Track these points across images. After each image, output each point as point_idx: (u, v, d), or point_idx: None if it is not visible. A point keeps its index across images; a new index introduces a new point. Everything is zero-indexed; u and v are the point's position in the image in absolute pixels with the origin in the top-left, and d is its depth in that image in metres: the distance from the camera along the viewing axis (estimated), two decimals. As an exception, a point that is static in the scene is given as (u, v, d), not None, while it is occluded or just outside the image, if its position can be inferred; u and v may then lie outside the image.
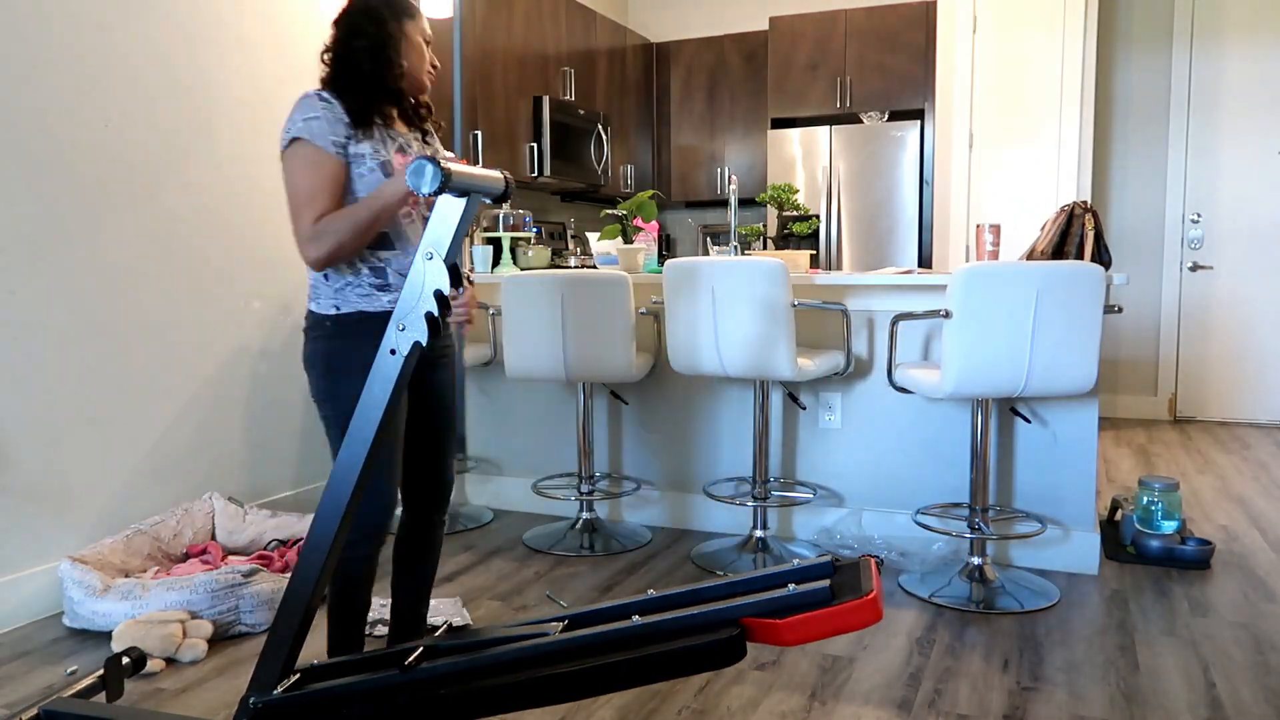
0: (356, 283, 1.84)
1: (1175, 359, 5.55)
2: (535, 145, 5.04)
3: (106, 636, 2.47)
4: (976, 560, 2.80)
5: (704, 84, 6.33)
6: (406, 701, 1.48)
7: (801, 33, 5.76)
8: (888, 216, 5.56)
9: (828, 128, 5.64)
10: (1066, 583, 2.84)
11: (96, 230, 2.81)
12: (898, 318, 2.78)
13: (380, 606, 2.62)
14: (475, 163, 4.57)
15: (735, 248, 3.42)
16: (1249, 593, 2.75)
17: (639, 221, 3.76)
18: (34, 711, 1.66)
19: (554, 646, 1.48)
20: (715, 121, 6.36)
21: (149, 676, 2.27)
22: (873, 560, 1.56)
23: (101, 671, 1.75)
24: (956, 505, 3.08)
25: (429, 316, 1.51)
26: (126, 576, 2.63)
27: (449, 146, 4.35)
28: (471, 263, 4.08)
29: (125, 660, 1.82)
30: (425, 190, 1.42)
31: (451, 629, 1.67)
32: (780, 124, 5.91)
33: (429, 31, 1.95)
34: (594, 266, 4.91)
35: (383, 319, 1.83)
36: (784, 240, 3.98)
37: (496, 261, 4.34)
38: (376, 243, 1.84)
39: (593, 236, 4.45)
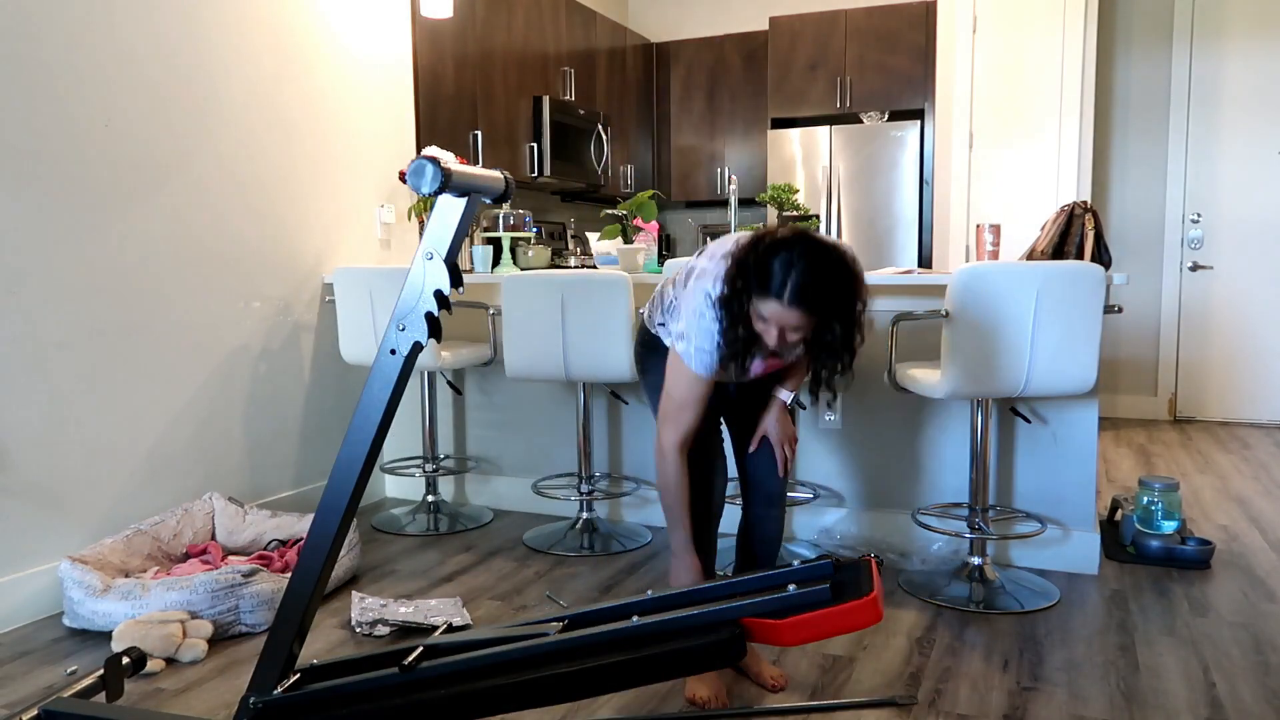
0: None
1: (1175, 359, 5.55)
2: (535, 145, 5.04)
3: (106, 636, 2.47)
4: (976, 560, 2.80)
5: (704, 84, 6.33)
6: (406, 701, 1.48)
7: (801, 33, 5.76)
8: (888, 216, 5.56)
9: (828, 128, 5.64)
10: (1066, 583, 2.84)
11: (96, 231, 2.81)
12: (898, 318, 2.77)
13: (380, 606, 2.62)
14: (475, 163, 4.57)
15: (735, 248, 3.41)
16: (1249, 593, 2.75)
17: (639, 221, 3.76)
18: (34, 711, 1.66)
19: (554, 646, 1.49)
20: (715, 121, 6.36)
21: (149, 676, 2.27)
22: (873, 560, 1.56)
23: (101, 671, 1.75)
24: (956, 505, 3.08)
25: (429, 316, 1.51)
26: (126, 576, 2.63)
27: (454, 147, 4.35)
28: (472, 263, 4.08)
29: (125, 660, 1.82)
30: (425, 190, 1.42)
31: (451, 629, 1.67)
32: (780, 124, 5.91)
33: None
34: (594, 266, 4.91)
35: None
36: (784, 240, 3.97)
37: (496, 261, 4.34)
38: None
39: (593, 236, 4.45)
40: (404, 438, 3.94)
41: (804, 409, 3.25)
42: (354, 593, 2.76)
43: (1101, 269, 2.47)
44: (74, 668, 2.34)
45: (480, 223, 4.61)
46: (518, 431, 3.74)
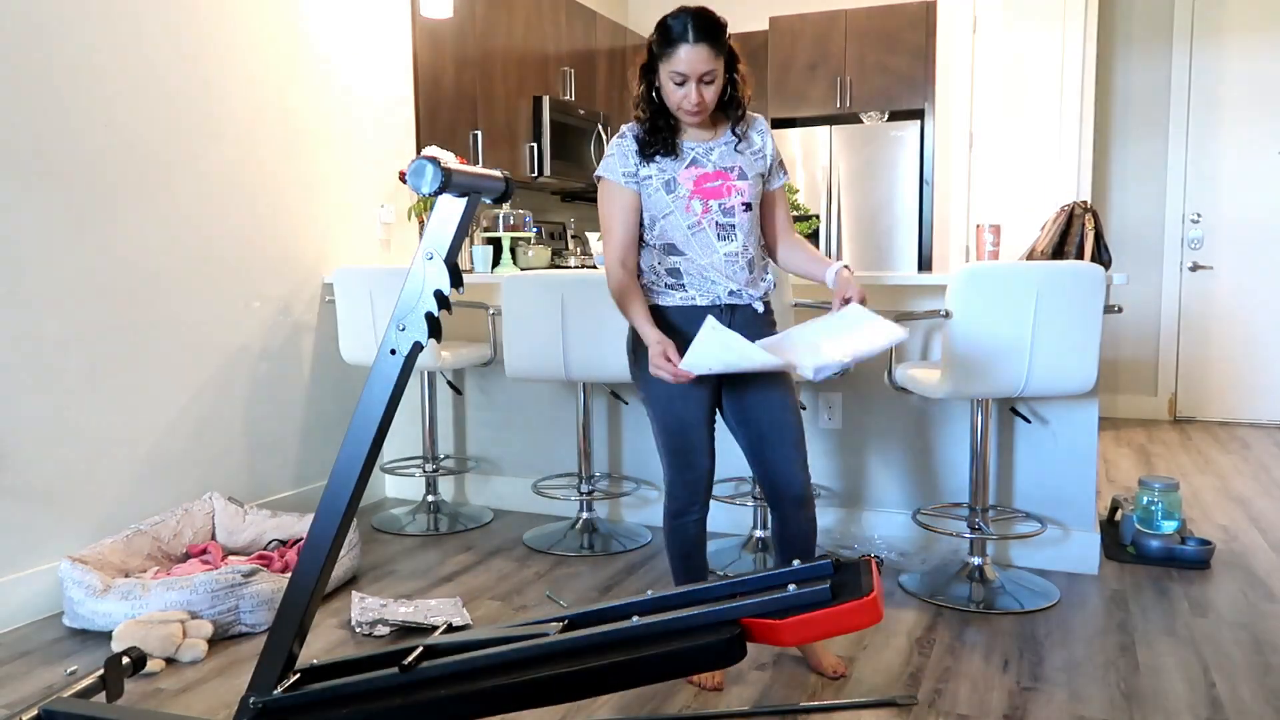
0: (656, 281, 2.18)
1: (1175, 359, 5.54)
2: (535, 145, 5.04)
3: (106, 636, 2.47)
4: (976, 560, 2.80)
5: (704, 84, 6.31)
6: (406, 701, 1.48)
7: (801, 33, 5.75)
8: (888, 216, 5.56)
9: (828, 128, 5.64)
10: (1066, 583, 2.84)
11: (97, 231, 2.81)
12: (898, 318, 2.77)
13: (380, 606, 2.62)
14: (475, 163, 4.57)
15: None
16: (1249, 593, 2.75)
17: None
18: (34, 711, 1.66)
19: (554, 647, 1.49)
20: (715, 121, 6.34)
21: (149, 676, 2.27)
22: (873, 560, 1.56)
23: (101, 671, 1.75)
24: (956, 505, 3.08)
25: (429, 316, 1.51)
26: (126, 576, 2.63)
27: (450, 148, 4.35)
28: (472, 263, 4.08)
29: (125, 660, 1.82)
30: (425, 190, 1.42)
31: (451, 629, 1.67)
32: (780, 124, 5.90)
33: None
34: (594, 266, 4.91)
35: (675, 312, 2.15)
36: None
37: (496, 261, 4.35)
38: (667, 250, 2.15)
39: (593, 236, 4.45)
40: (404, 438, 3.94)
41: (804, 409, 3.25)
42: (354, 593, 2.76)
43: (1101, 269, 2.47)
44: (74, 668, 2.34)
45: (480, 223, 4.61)
46: (518, 431, 3.74)
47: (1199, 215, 5.46)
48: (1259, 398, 5.41)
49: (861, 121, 5.71)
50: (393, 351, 1.52)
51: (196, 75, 3.12)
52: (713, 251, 2.13)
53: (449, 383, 3.79)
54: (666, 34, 2.06)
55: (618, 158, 2.14)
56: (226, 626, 2.48)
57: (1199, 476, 4.18)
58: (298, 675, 1.60)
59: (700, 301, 2.14)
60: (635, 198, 2.14)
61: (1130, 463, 4.46)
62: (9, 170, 2.58)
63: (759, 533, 3.15)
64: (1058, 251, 3.04)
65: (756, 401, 2.15)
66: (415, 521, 3.57)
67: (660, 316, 2.14)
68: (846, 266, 2.19)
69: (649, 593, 1.64)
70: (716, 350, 1.92)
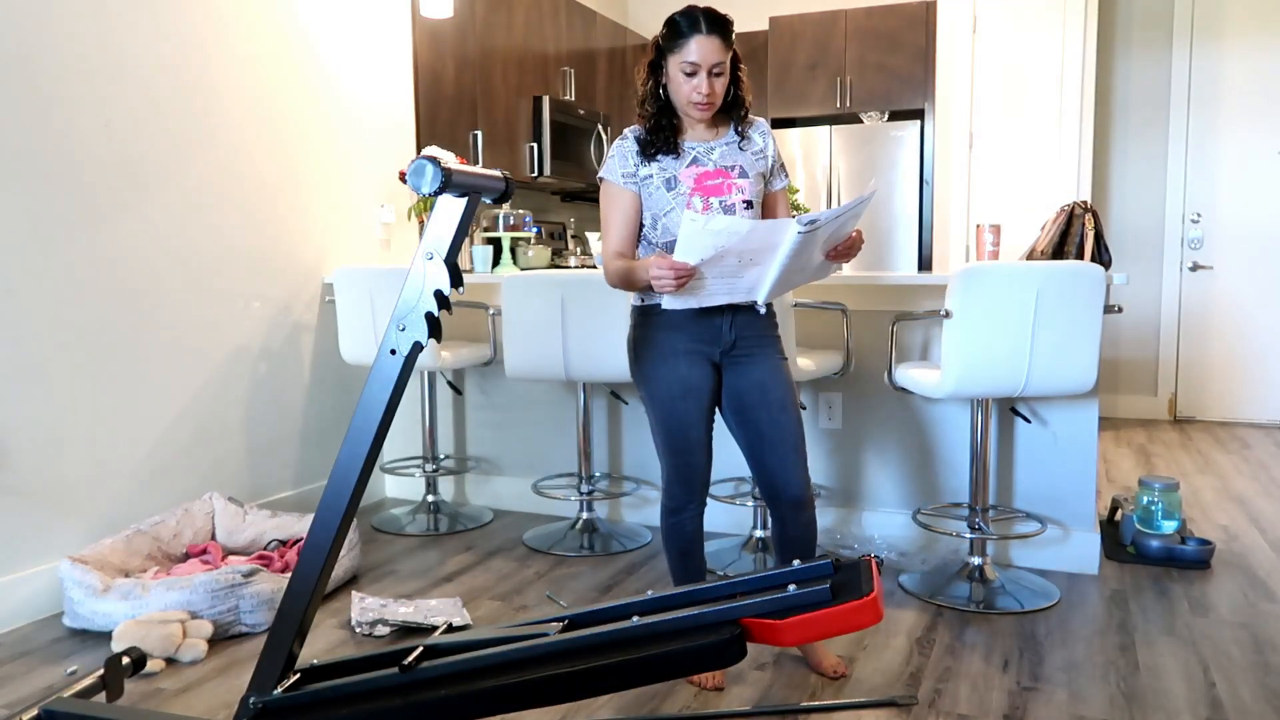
0: None
1: (1175, 359, 5.54)
2: (535, 145, 5.04)
3: (106, 636, 2.47)
4: (976, 560, 2.80)
5: (704, 84, 6.31)
6: (406, 701, 1.48)
7: (801, 33, 5.75)
8: (888, 216, 5.55)
9: (828, 128, 5.64)
10: (1066, 583, 2.84)
11: (97, 230, 2.81)
12: (898, 318, 2.78)
13: (380, 606, 2.62)
14: (475, 163, 4.57)
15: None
16: (1249, 593, 2.75)
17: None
18: (34, 711, 1.66)
19: (554, 647, 1.49)
20: (715, 121, 6.34)
21: (149, 676, 2.27)
22: (873, 560, 1.56)
23: (101, 671, 1.75)
24: (956, 505, 3.08)
25: (429, 316, 1.51)
26: (126, 576, 2.63)
27: (451, 147, 4.35)
28: (472, 263, 4.08)
29: (125, 660, 1.82)
30: (425, 190, 1.42)
31: (451, 629, 1.67)
32: (780, 124, 5.90)
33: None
34: (594, 266, 4.91)
35: (675, 312, 2.11)
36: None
37: (496, 261, 4.34)
38: (669, 248, 2.11)
39: (593, 236, 4.45)
40: (404, 438, 3.94)
41: (803, 409, 3.25)
42: (354, 593, 2.76)
43: (1101, 269, 2.47)
44: (74, 668, 2.34)
45: (480, 223, 4.61)
46: (518, 431, 3.74)
47: (1199, 215, 5.46)
48: (1259, 398, 5.41)
49: (861, 121, 5.70)
50: (393, 351, 1.52)
51: (196, 76, 3.12)
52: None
53: (449, 383, 3.79)
54: (677, 27, 2.10)
55: (618, 159, 2.17)
56: (226, 626, 2.48)
57: (1199, 476, 4.18)
58: (298, 675, 1.60)
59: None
60: (635, 198, 2.16)
61: (1130, 463, 4.46)
62: (11, 172, 2.58)
63: (759, 533, 3.15)
64: (1058, 251, 3.04)
65: (756, 403, 2.15)
66: (415, 521, 3.57)
67: (661, 316, 2.14)
68: None
69: (649, 593, 1.64)
70: (703, 236, 1.87)
